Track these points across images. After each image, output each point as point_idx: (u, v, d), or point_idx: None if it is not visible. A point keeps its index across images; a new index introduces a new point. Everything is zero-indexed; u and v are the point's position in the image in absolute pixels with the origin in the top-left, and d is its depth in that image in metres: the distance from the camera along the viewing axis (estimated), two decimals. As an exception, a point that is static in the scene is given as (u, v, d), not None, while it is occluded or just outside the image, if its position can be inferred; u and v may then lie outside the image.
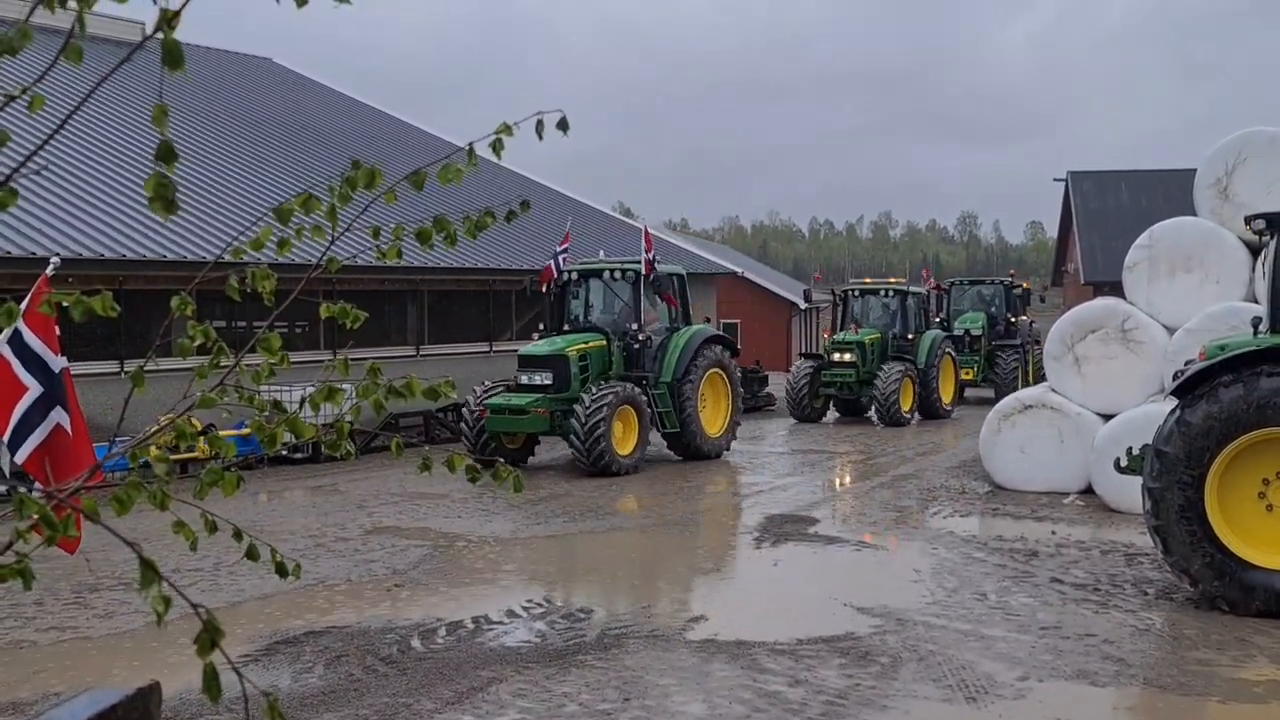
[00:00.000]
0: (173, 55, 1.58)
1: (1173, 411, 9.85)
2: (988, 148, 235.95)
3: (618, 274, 19.06)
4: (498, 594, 10.40)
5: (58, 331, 6.95)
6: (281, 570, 2.08)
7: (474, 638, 8.90)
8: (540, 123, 2.04)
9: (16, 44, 1.49)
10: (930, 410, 26.42)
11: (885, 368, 25.24)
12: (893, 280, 28.64)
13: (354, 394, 2.21)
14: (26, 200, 17.81)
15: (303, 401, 2.03)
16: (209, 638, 1.64)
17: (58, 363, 6.86)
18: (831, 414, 27.19)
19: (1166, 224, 16.02)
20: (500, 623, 9.33)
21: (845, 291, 28.17)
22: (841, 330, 27.03)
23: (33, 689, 7.75)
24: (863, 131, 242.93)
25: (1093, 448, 14.65)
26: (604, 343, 18.59)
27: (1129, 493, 12.57)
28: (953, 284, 34.21)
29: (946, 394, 27.17)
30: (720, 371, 19.66)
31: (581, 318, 19.50)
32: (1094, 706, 7.50)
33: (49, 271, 6.50)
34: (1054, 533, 13.06)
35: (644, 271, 18.42)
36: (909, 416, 25.35)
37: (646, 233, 18.95)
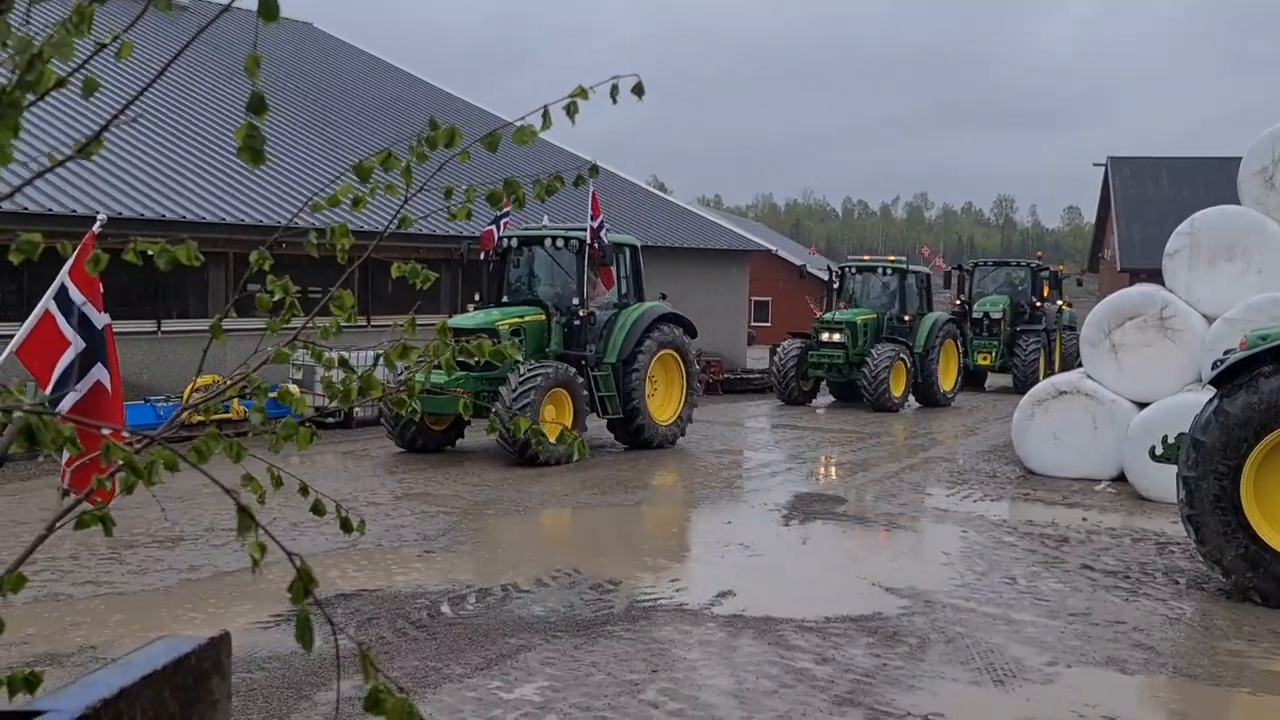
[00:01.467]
0: (268, 6, 1.59)
1: (1211, 400, 9.77)
2: (1030, 134, 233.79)
3: (560, 242, 17.23)
4: (527, 562, 10.45)
5: (101, 289, 7.00)
6: (346, 526, 2.10)
7: (503, 605, 8.95)
8: (615, 87, 2.04)
9: (107, -9, 1.50)
10: (928, 397, 25.18)
11: (876, 349, 23.91)
12: (891, 258, 27.22)
13: (427, 353, 2.23)
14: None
15: (377, 359, 2.04)
16: (302, 585, 1.65)
17: (101, 319, 6.92)
18: (826, 397, 26.16)
19: (1209, 212, 15.85)
20: (529, 591, 9.38)
21: (841, 269, 26.77)
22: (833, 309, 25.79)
23: (69, 642, 7.86)
24: (902, 117, 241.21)
25: (1127, 435, 14.57)
26: (542, 317, 16.92)
27: (1161, 481, 12.51)
28: (976, 265, 32.69)
29: (947, 380, 25.85)
30: (674, 353, 18.01)
31: (525, 289, 17.84)
32: (1123, 694, 7.48)
33: (96, 229, 6.55)
34: (1085, 519, 13.01)
35: (588, 240, 16.66)
36: (900, 402, 23.98)
37: (594, 198, 16.60)
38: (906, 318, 25.26)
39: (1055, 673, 7.72)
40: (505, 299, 17.51)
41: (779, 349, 25.59)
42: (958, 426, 22.39)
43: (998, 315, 29.42)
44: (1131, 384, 15.46)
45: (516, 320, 16.54)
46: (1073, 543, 11.77)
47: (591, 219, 16.47)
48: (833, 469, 16.55)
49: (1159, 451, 11.04)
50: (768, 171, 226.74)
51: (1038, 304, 30.52)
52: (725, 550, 11.26)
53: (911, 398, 25.03)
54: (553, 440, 14.64)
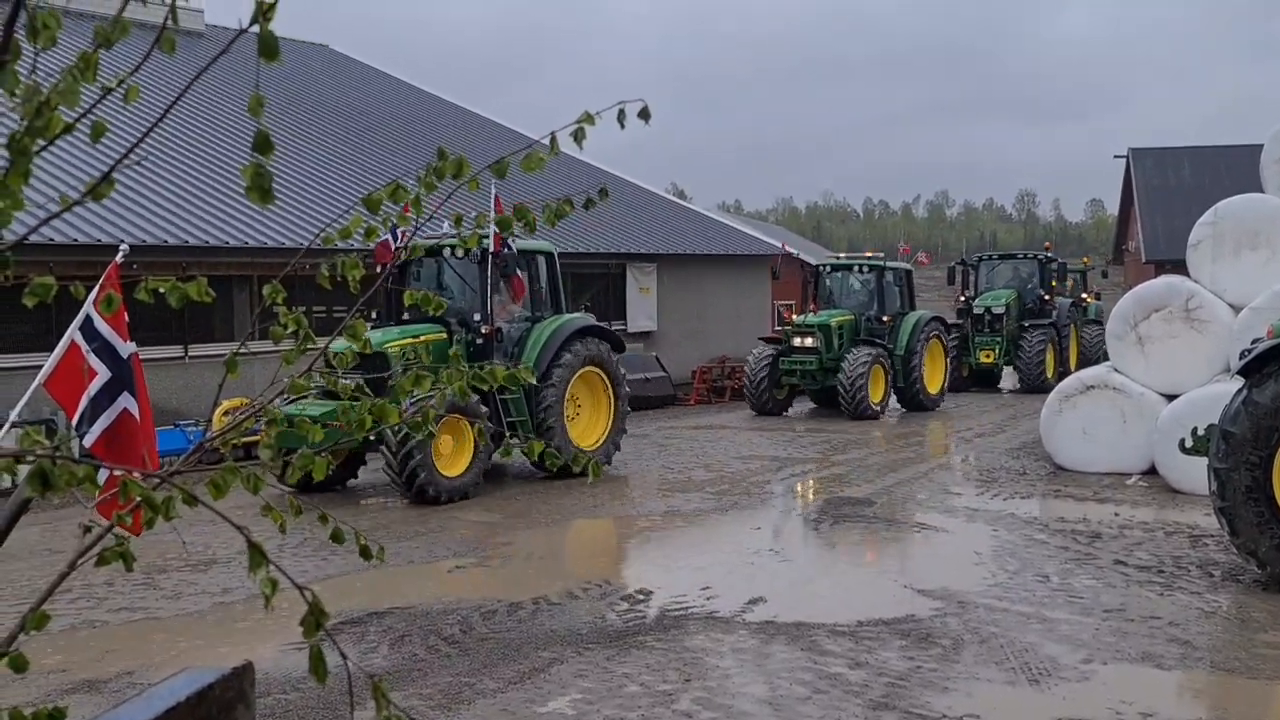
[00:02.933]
0: (268, 46, 1.61)
1: (1239, 391, 9.70)
2: (1051, 125, 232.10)
3: (460, 251, 15.30)
4: (557, 574, 10.47)
5: (126, 317, 7.06)
6: (365, 553, 2.12)
7: (534, 618, 8.97)
8: (622, 112, 2.05)
9: (114, 37, 1.52)
10: (913, 401, 23.89)
11: (852, 353, 22.51)
12: (870, 254, 25.83)
13: (440, 380, 2.24)
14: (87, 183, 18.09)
15: (390, 387, 2.06)
16: (314, 619, 1.67)
17: (126, 348, 6.98)
18: (807, 404, 24.79)
19: (1232, 200, 15.75)
20: (559, 604, 9.39)
21: (816, 268, 25.15)
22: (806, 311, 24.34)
23: (106, 668, 7.92)
24: (922, 112, 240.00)
25: (1156, 428, 14.47)
26: (443, 335, 15.18)
27: (1193, 474, 12.41)
28: (980, 259, 31.09)
29: (933, 383, 24.43)
30: (599, 371, 16.25)
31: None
32: (1160, 689, 7.42)
33: (118, 259, 6.62)
34: (1117, 514, 12.92)
35: (492, 248, 14.80)
36: (879, 409, 22.62)
37: (497, 201, 14.30)
38: (885, 318, 23.87)
39: (1091, 670, 7.67)
40: (406, 316, 15.65)
41: (750, 356, 24.23)
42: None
43: (999, 310, 28.00)
44: (1159, 376, 15.36)
45: (411, 340, 14.80)
46: (1105, 538, 11.69)
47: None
48: (851, 476, 16.50)
49: (1189, 444, 10.96)
50: (787, 174, 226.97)
51: (1046, 297, 29.02)
52: (754, 556, 11.25)
53: (896, 403, 24.05)
54: (449, 474, 13.80)
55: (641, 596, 9.60)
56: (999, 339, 27.91)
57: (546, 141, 1.98)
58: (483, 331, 15.32)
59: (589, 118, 2.03)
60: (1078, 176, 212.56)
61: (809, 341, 22.89)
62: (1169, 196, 42.64)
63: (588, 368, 16.12)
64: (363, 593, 9.75)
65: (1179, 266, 17.57)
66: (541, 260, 16.49)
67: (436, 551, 11.38)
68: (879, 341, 23.31)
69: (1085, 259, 38.41)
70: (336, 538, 2.04)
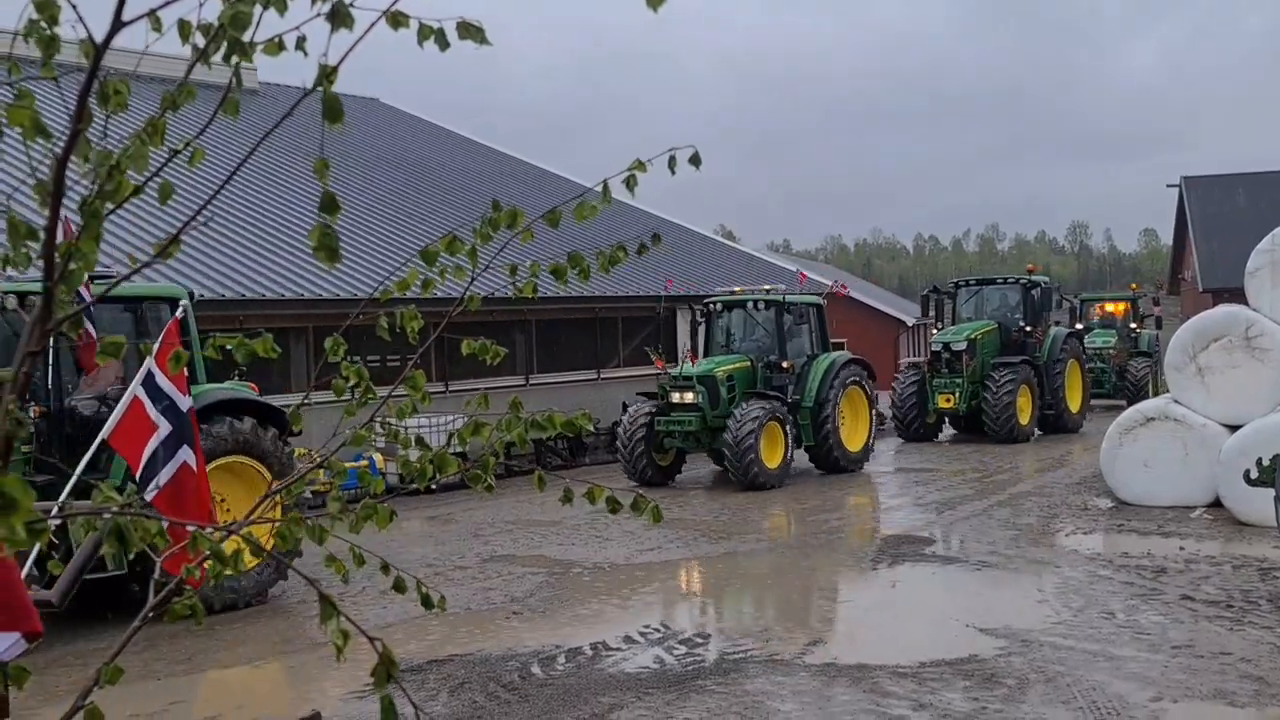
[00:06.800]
0: (332, 110, 1.66)
1: (1305, 420, 9.53)
2: (1105, 163, 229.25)
3: (13, 300, 9.66)
4: (615, 620, 10.44)
5: (186, 372, 7.19)
6: (427, 602, 2.14)
7: (594, 664, 8.95)
8: (673, 158, 2.08)
9: (180, 101, 1.57)
10: (828, 461, 19.86)
11: (740, 409, 18.29)
12: (765, 289, 21.08)
13: (499, 427, 2.27)
14: (151, 244, 18.43)
15: (450, 437, 2.09)
16: (385, 670, 1.69)
17: (185, 402, 7.10)
18: (705, 466, 20.64)
19: (1288, 227, 15.55)
20: (619, 649, 9.36)
21: (706, 307, 20.80)
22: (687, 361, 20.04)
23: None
24: (975, 153, 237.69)
25: (1219, 460, 14.23)
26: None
27: (1259, 505, 12.20)
28: (958, 285, 26.92)
29: (855, 439, 20.23)
30: (249, 461, 11.37)
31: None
32: (1233, 728, 7.26)
33: (179, 314, 6.75)
34: (1182, 548, 12.69)
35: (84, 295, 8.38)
36: (776, 475, 18.38)
37: (66, 223, 6.15)
38: (786, 364, 19.61)
39: (1161, 709, 7.52)
40: None
41: (625, 413, 19.81)
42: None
43: (959, 347, 23.85)
44: (1221, 407, 15.11)
45: None
46: (1171, 573, 11.48)
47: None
48: (903, 514, 16.33)
49: (1254, 475, 10.79)
50: (839, 215, 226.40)
51: (1029, 329, 24.87)
52: (813, 597, 11.16)
53: (810, 463, 20.23)
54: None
55: (700, 640, 9.54)
56: (958, 380, 23.81)
57: (599, 189, 2.02)
58: (31, 413, 10.47)
59: (640, 165, 2.06)
60: (1130, 207, 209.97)
61: (689, 397, 18.78)
62: (1224, 224, 42.13)
63: (232, 457, 11.22)
64: (422, 640, 9.78)
65: (1237, 295, 17.34)
66: (163, 310, 11.34)
67: (494, 598, 11.39)
68: (776, 394, 19.13)
69: (1133, 285, 37.74)
70: (399, 587, 2.06)
